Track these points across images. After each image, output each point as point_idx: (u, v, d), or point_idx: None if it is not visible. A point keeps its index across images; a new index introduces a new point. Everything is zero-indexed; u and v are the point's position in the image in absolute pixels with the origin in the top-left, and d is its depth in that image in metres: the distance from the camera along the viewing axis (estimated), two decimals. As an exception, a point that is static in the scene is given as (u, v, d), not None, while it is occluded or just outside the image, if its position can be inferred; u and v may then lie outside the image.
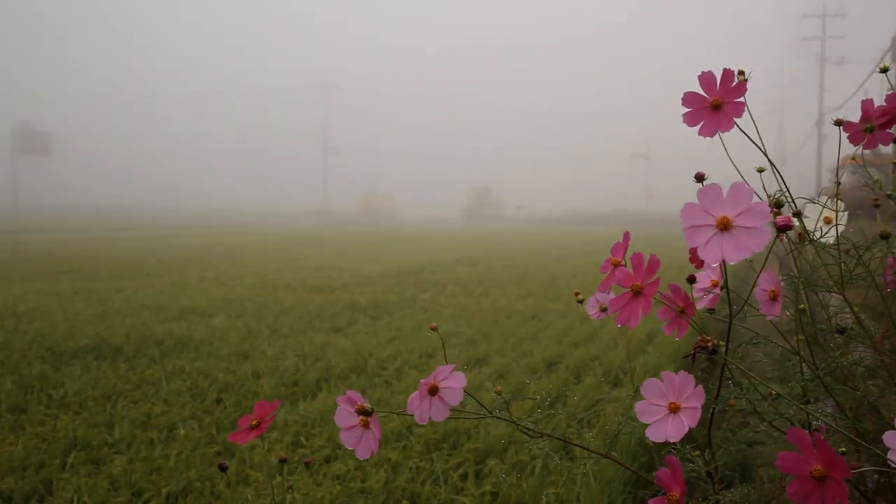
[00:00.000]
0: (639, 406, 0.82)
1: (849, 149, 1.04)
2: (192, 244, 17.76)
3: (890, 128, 0.99)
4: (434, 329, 0.99)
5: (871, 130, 1.00)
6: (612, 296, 0.98)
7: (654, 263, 0.85)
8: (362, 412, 0.85)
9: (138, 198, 78.68)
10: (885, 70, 1.07)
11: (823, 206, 1.02)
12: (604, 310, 1.06)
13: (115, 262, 11.62)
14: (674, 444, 0.85)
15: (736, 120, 0.84)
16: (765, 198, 0.91)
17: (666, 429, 0.79)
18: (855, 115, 1.03)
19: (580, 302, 1.07)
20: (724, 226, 0.72)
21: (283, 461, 1.21)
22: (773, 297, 0.93)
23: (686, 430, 0.78)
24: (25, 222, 33.75)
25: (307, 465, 2.34)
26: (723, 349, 0.85)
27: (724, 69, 0.83)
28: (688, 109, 0.84)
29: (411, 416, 0.86)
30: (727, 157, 0.94)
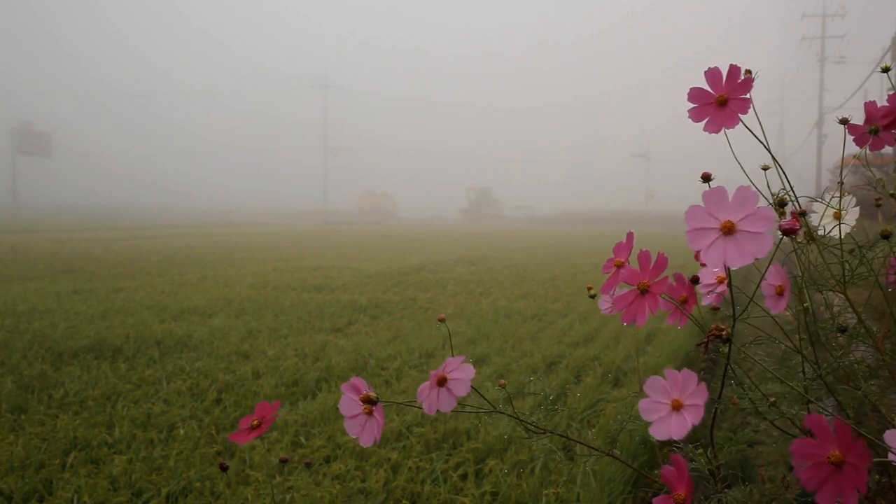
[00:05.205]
0: (642, 404, 0.81)
1: (850, 148, 1.04)
2: (192, 244, 17.74)
3: (894, 129, 0.99)
4: (442, 320, 0.99)
5: (875, 132, 0.99)
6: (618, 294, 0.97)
7: (661, 262, 0.84)
8: (367, 401, 0.85)
9: (138, 198, 78.67)
10: (886, 70, 1.07)
11: (827, 205, 1.02)
12: None
13: (115, 261, 11.62)
14: (676, 442, 0.85)
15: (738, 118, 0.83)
16: (768, 196, 0.91)
17: (669, 427, 0.79)
18: (855, 115, 1.03)
19: (592, 297, 1.07)
20: (728, 230, 0.72)
21: (283, 461, 1.21)
22: (780, 293, 0.92)
23: (689, 427, 0.78)
24: (25, 222, 33.74)
25: (307, 465, 2.34)
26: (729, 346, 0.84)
27: (731, 65, 0.82)
28: (694, 105, 0.84)
29: (411, 416, 0.86)
30: (726, 156, 0.94)
